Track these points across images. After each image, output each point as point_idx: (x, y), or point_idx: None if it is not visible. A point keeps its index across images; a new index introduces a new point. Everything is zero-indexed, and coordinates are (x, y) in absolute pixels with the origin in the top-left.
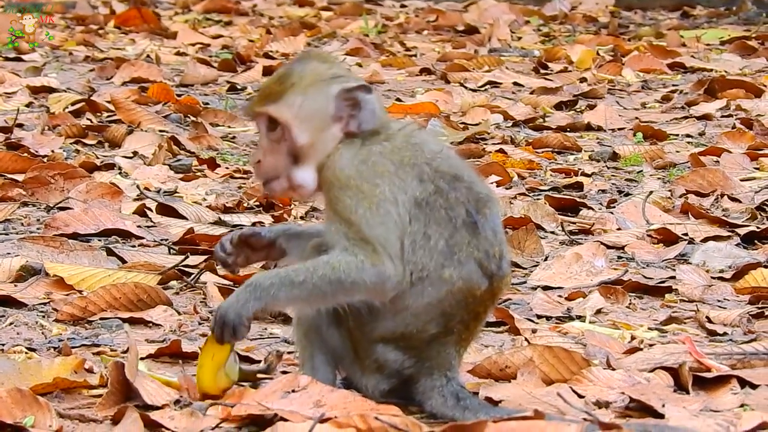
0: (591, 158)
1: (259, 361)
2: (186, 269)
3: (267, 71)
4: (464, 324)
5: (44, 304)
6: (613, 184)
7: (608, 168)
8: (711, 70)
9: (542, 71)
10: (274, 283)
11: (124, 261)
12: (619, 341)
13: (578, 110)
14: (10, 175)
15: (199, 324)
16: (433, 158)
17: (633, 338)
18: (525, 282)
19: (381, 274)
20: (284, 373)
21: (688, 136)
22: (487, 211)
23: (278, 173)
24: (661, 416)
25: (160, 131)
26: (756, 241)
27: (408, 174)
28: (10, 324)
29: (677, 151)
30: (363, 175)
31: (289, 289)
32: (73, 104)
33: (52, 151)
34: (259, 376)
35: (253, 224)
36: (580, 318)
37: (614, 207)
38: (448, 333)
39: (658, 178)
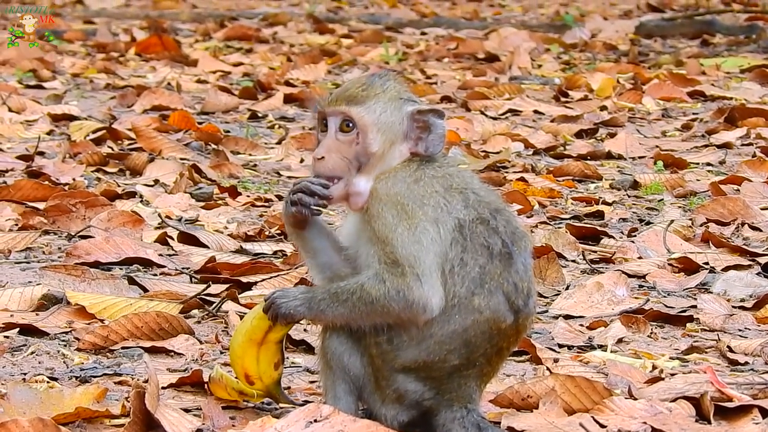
0: (612, 186)
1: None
2: (208, 298)
3: (288, 99)
4: (486, 358)
5: (66, 333)
6: (633, 212)
7: (629, 196)
8: (731, 98)
9: (563, 99)
10: (325, 298)
11: (145, 290)
12: (640, 371)
13: (599, 138)
14: (31, 204)
15: (221, 353)
16: (480, 189)
17: (654, 368)
18: (546, 311)
19: (407, 300)
20: (306, 402)
21: (708, 164)
22: (522, 244)
23: (340, 174)
24: None
25: (181, 159)
26: None
27: (455, 198)
28: (32, 353)
29: (698, 180)
30: (413, 194)
31: (335, 307)
32: (94, 132)
33: (74, 179)
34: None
35: (274, 253)
36: (602, 347)
37: (635, 236)
38: (469, 366)
39: (679, 207)
